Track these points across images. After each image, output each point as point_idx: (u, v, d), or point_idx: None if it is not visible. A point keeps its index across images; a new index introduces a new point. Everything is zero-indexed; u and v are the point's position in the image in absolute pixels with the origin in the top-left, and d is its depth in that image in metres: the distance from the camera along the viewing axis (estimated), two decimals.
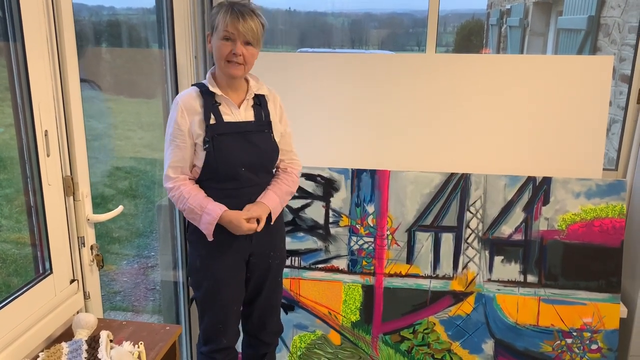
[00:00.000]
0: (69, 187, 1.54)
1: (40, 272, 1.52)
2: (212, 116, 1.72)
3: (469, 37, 11.25)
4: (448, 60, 2.39)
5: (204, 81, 1.78)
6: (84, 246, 1.62)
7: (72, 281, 1.60)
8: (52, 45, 1.44)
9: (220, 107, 1.75)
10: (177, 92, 2.23)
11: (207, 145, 1.72)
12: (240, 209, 1.78)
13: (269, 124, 1.82)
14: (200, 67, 2.29)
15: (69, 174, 1.54)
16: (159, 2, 2.15)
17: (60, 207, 1.52)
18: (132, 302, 3.21)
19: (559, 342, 2.30)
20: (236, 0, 1.72)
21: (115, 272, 3.28)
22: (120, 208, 1.73)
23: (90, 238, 1.65)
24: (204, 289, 1.85)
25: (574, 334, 2.29)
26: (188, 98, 1.74)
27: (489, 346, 2.34)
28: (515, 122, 2.34)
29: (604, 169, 2.36)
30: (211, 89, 1.74)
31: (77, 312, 1.62)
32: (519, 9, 6.96)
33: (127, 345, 1.42)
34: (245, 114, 1.79)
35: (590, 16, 3.94)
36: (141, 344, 1.43)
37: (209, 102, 1.73)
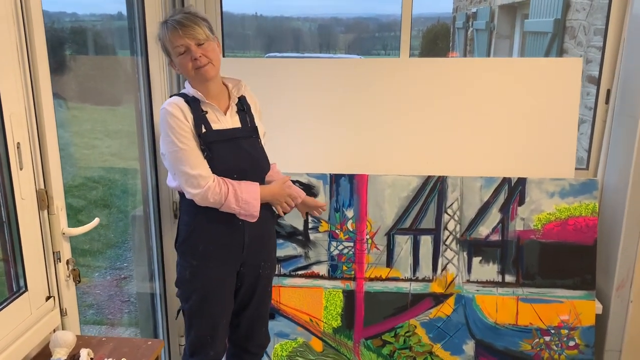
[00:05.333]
0: (43, 200, 1.49)
1: (15, 290, 1.46)
2: (202, 125, 1.70)
3: (434, 40, 11.40)
4: (422, 64, 2.41)
5: (184, 91, 1.74)
6: (60, 261, 1.56)
7: (48, 298, 1.54)
8: (23, 54, 1.39)
9: (208, 116, 1.72)
10: (150, 100, 2.18)
11: (205, 154, 1.69)
12: (232, 216, 1.75)
13: (255, 130, 1.81)
14: (174, 73, 2.25)
15: (42, 187, 1.49)
16: (130, 9, 2.10)
17: (34, 221, 1.47)
18: (106, 315, 3.13)
19: (537, 340, 2.33)
20: (169, 15, 1.72)
21: (87, 284, 3.20)
22: (96, 220, 1.68)
23: (66, 252, 1.60)
24: (192, 301, 1.82)
25: (552, 331, 2.32)
26: (179, 104, 1.69)
27: (469, 347, 2.36)
28: (489, 124, 2.37)
29: (575, 169, 2.41)
30: (197, 96, 1.70)
31: (54, 330, 1.56)
32: (484, 12, 7.08)
33: None
34: (231, 120, 1.77)
35: (557, 19, 4.05)
36: None
37: (197, 111, 1.70)
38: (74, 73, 2.87)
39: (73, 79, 2.90)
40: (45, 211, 1.51)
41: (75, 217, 3.25)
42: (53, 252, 1.55)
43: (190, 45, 1.65)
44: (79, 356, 1.37)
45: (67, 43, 2.73)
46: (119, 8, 2.27)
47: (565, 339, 2.32)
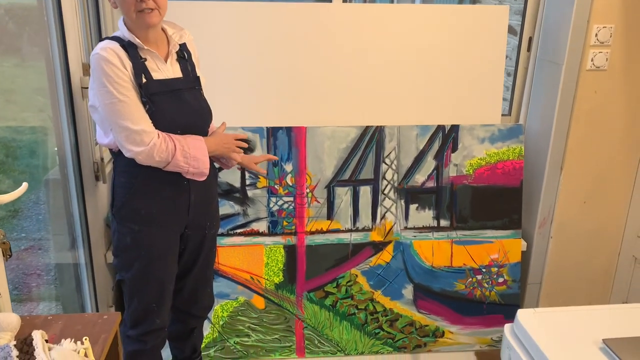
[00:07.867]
0: None
1: None
2: (142, 74, 1.51)
3: None
4: (356, 10, 2.35)
5: (118, 34, 1.53)
6: None
7: None
8: None
9: (147, 63, 1.53)
10: (65, 47, 1.92)
11: (147, 107, 1.51)
12: (177, 176, 1.61)
13: (197, 80, 1.66)
14: (91, 15, 1.99)
15: None
16: None
17: None
18: (11, 290, 2.84)
19: (470, 279, 2.46)
20: None
21: None
22: (24, 185, 1.47)
23: None
24: (135, 269, 1.67)
25: (483, 270, 2.46)
26: (115, 49, 1.49)
27: (408, 291, 2.43)
28: (423, 73, 2.38)
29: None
30: (134, 41, 1.51)
31: None
32: None
33: (67, 344, 1.23)
34: (172, 69, 1.60)
35: None
36: (86, 339, 1.24)
37: (135, 58, 1.51)
38: None
39: None
40: None
41: None
42: None
43: None
44: (31, 339, 1.20)
45: None
46: None
47: (495, 276, 2.46)
